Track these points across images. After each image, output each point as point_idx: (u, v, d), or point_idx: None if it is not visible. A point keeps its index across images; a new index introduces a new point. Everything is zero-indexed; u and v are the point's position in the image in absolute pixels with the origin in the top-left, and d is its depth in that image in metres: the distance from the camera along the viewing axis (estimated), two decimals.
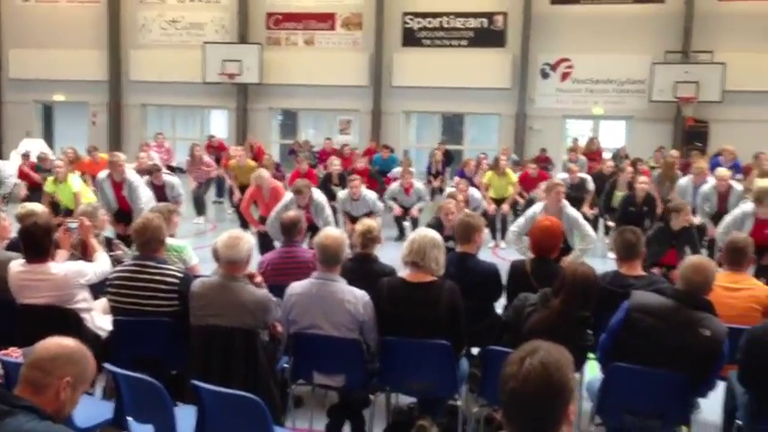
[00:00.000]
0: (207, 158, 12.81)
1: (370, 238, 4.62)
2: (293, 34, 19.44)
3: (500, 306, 4.73)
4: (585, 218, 8.08)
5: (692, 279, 3.57)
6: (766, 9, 16.01)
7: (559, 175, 11.34)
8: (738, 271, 4.51)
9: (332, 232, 4.15)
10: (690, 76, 15.94)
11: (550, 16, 17.50)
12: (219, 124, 20.73)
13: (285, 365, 4.13)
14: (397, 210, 10.59)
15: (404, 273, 4.12)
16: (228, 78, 18.81)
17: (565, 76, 17.78)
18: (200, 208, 12.20)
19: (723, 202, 8.62)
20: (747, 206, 7.08)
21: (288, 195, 7.86)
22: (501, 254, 9.36)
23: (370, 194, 9.52)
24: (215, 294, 3.78)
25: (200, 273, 4.82)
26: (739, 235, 5.03)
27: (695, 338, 3.43)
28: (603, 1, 17.14)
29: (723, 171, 9.15)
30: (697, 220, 8.62)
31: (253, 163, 11.87)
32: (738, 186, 9.12)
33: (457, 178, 10.27)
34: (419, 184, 10.99)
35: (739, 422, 3.76)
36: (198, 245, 7.47)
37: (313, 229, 7.01)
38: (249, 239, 3.85)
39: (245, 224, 9.75)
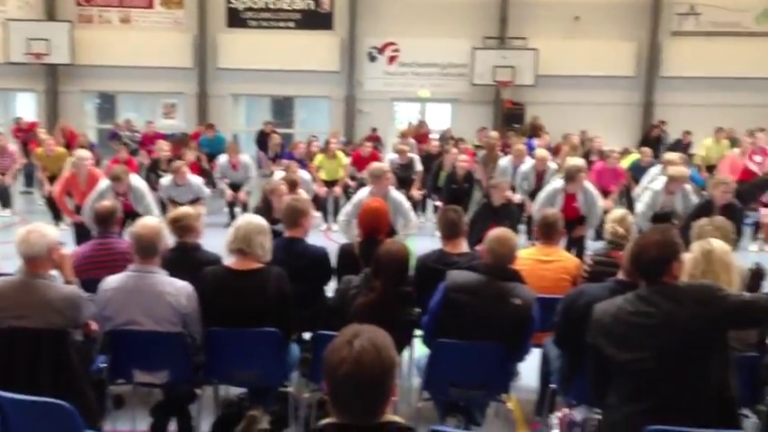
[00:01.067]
0: (11, 147, 11.72)
1: (180, 227, 4.42)
2: (106, 11, 18.23)
3: (331, 290, 4.71)
4: (413, 200, 8.29)
5: (497, 251, 3.74)
6: None
7: (389, 156, 11.60)
8: (550, 244, 4.81)
9: (148, 221, 3.92)
10: (507, 61, 16.83)
11: (377, 0, 17.74)
12: (27, 109, 19.04)
13: (102, 365, 3.85)
14: (229, 194, 10.37)
15: (229, 261, 3.98)
16: (35, 59, 17.31)
17: (392, 59, 18.11)
18: (5, 200, 11.18)
19: (540, 180, 9.20)
20: (558, 183, 7.59)
21: (103, 182, 7.37)
22: (333, 237, 9.39)
23: (196, 179, 9.18)
24: (16, 294, 3.42)
25: None
26: (549, 210, 5.36)
27: (507, 308, 3.63)
28: None
29: (542, 152, 9.78)
30: (517, 197, 9.15)
31: (63, 150, 11.02)
32: (553, 165, 9.78)
33: (286, 161, 10.18)
34: (246, 158, 10.91)
35: (553, 386, 4.01)
36: (4, 240, 6.83)
37: (134, 217, 6.62)
38: (49, 232, 3.51)
39: (57, 215, 9.03)
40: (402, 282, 3.78)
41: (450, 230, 4.55)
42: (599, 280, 3.83)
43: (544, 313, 3.85)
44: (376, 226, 4.65)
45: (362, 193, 6.60)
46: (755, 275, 3.96)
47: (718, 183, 7.26)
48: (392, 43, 17.98)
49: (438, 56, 17.85)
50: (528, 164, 9.54)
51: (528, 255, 4.75)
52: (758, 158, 10.53)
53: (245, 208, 10.06)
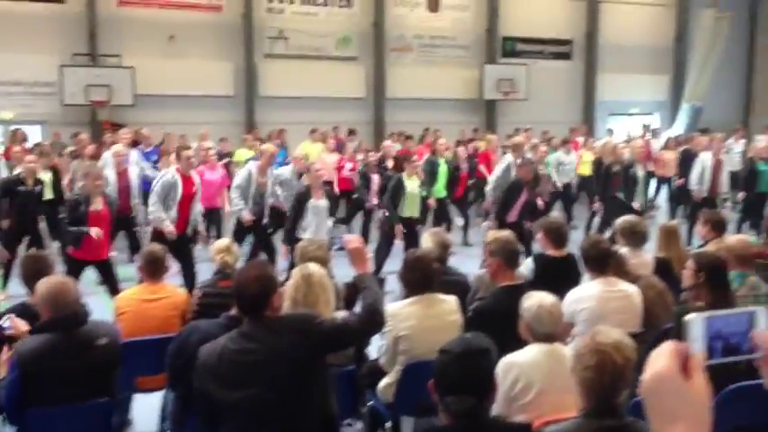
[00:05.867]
0: None
1: None
2: None
3: None
4: None
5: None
6: (166, 17, 17.04)
7: None
8: (155, 281, 4.59)
9: None
10: (101, 79, 15.90)
11: None
12: None
13: None
14: None
15: None
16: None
17: None
18: None
19: None
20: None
21: None
22: None
23: None
24: None
25: None
26: (157, 248, 5.15)
27: (95, 351, 3.43)
28: None
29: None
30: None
31: None
32: None
33: None
34: None
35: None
36: None
37: None
38: None
39: None
40: None
41: None
42: (210, 313, 3.77)
43: (154, 355, 3.65)
44: None
45: None
46: (351, 288, 4.29)
47: (523, 164, 8.72)
48: None
49: (22, 73, 16.10)
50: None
51: (132, 295, 4.48)
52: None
53: None
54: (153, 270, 4.55)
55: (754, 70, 24.30)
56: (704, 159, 11.08)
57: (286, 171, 9.62)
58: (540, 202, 9.28)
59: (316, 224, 7.41)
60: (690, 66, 21.99)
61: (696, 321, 1.21)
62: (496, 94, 19.75)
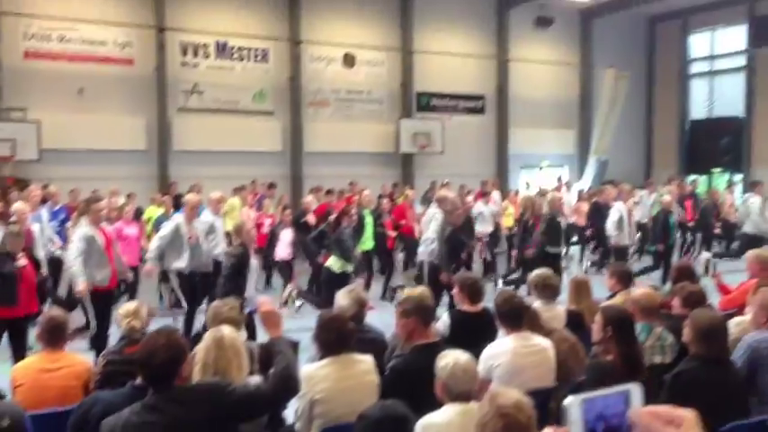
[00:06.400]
0: None
1: None
2: None
3: None
4: None
5: None
6: (75, 69, 16.61)
7: None
8: (55, 350, 4.33)
9: None
10: (5, 133, 15.26)
11: None
12: None
13: None
14: None
15: None
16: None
17: None
18: None
19: None
20: None
21: None
22: None
23: None
24: None
25: None
26: (57, 314, 4.88)
27: None
28: None
29: None
30: None
31: None
32: None
33: None
34: None
35: None
36: None
37: None
38: None
39: None
40: None
41: None
42: (115, 382, 3.59)
43: (54, 430, 3.43)
44: None
45: None
46: (266, 350, 4.17)
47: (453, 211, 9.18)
48: None
49: None
50: None
51: (29, 365, 4.21)
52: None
53: None
54: (52, 338, 4.29)
55: (653, 126, 25.76)
56: (620, 209, 11.55)
57: (208, 218, 9.37)
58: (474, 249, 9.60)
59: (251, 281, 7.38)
60: (594, 121, 23.09)
61: (574, 405, 1.20)
62: (413, 148, 20.11)
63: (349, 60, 19.96)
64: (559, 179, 18.30)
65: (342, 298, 4.95)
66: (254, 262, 7.50)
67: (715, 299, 6.13)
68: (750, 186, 14.75)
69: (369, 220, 10.75)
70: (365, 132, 19.96)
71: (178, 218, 8.46)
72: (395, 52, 20.54)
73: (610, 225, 11.51)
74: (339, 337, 3.95)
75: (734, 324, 4.61)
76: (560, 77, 23.38)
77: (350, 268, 9.05)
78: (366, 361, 4.03)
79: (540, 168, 22.54)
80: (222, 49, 18.30)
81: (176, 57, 17.74)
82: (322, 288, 9.26)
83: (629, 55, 24.11)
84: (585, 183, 20.38)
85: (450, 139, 20.50)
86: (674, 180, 16.75)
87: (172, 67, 17.61)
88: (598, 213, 13.12)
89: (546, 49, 22.93)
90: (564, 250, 10.78)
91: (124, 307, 4.77)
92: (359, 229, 10.15)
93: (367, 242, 10.69)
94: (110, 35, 16.96)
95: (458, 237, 8.85)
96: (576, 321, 5.28)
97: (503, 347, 4.32)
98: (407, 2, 20.39)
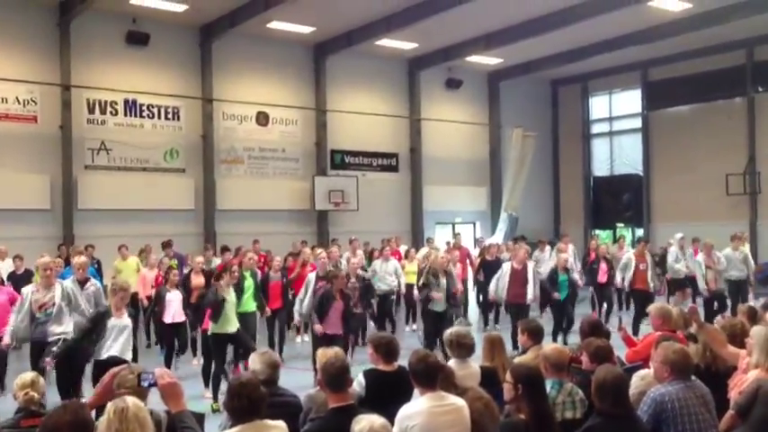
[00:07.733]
0: None
1: None
2: None
3: None
4: None
5: None
6: None
7: None
8: None
9: None
10: None
11: None
12: None
13: None
14: None
15: None
16: None
17: None
18: None
19: None
20: None
21: None
22: None
23: None
24: None
25: None
26: None
27: None
28: None
29: None
30: None
31: None
32: None
33: None
34: None
35: None
36: None
37: None
38: None
39: None
40: None
41: None
42: None
43: None
44: None
45: None
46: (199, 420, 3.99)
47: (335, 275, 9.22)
48: None
49: None
50: None
51: None
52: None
53: None
54: None
55: (560, 183, 26.82)
56: (504, 267, 11.87)
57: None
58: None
59: (121, 344, 7.10)
60: (504, 179, 23.82)
61: None
62: (328, 205, 20.14)
63: (262, 119, 19.96)
64: (456, 236, 18.21)
65: (253, 362, 4.82)
66: (125, 320, 7.22)
67: (623, 352, 6.29)
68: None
69: (249, 283, 10.30)
70: (280, 190, 19.89)
71: (25, 289, 8.06)
72: (308, 111, 20.71)
73: (492, 282, 12.02)
74: (250, 403, 3.82)
75: (639, 377, 4.74)
76: (471, 136, 24.11)
77: (231, 329, 8.71)
78: (280, 426, 3.91)
79: (454, 225, 22.97)
80: (131, 107, 17.96)
81: (83, 114, 17.26)
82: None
83: (535, 115, 25.21)
84: (498, 238, 20.83)
85: (365, 196, 20.67)
86: (565, 237, 16.90)
87: (78, 125, 17.09)
88: (488, 269, 13.76)
89: (456, 110, 23.68)
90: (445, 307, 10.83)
91: (21, 378, 4.48)
92: (237, 291, 9.63)
93: (248, 303, 10.21)
94: (11, 92, 16.36)
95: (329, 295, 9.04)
96: (491, 378, 5.30)
97: (417, 408, 4.28)
98: (320, 62, 20.69)
